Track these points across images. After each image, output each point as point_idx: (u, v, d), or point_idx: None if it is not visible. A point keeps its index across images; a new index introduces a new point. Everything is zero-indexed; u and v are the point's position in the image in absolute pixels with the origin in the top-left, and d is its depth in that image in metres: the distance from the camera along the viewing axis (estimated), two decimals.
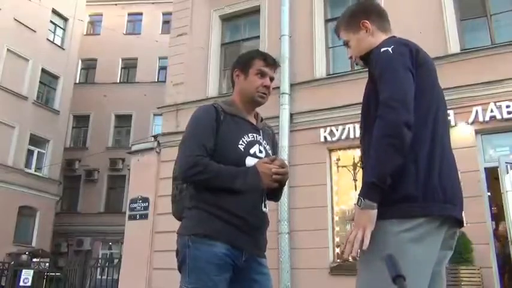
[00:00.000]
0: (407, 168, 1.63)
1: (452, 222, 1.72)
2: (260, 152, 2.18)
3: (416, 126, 1.64)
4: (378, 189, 1.58)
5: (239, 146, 2.12)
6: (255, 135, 2.21)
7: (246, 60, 2.29)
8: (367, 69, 1.94)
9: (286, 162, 8.73)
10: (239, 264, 2.02)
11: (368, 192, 1.59)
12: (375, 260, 1.56)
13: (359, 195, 1.63)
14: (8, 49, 19.56)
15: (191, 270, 1.95)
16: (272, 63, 2.27)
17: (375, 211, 1.59)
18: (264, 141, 2.25)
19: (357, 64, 2.06)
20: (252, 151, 2.14)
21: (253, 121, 2.29)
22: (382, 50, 1.76)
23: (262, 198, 2.12)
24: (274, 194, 2.22)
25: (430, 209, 1.62)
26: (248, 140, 2.16)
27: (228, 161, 2.06)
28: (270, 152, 2.27)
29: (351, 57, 2.07)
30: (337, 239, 8.58)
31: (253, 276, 2.08)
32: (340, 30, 2.07)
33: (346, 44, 2.06)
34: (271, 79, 2.27)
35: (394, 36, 1.93)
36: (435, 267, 1.69)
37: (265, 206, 2.13)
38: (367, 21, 1.97)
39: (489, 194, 7.80)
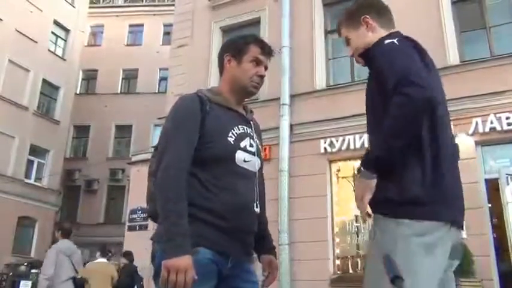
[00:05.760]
0: (413, 171, 1.62)
1: (457, 228, 1.69)
2: (251, 146, 1.95)
3: (422, 128, 1.63)
4: (380, 162, 1.62)
5: (228, 138, 1.88)
6: (245, 127, 1.98)
7: (240, 45, 2.05)
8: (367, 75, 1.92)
9: (287, 173, 8.79)
10: (224, 271, 1.80)
11: (368, 162, 1.65)
12: (381, 258, 1.56)
13: (360, 164, 1.68)
14: (9, 60, 19.65)
15: None
16: (269, 52, 2.05)
17: (373, 181, 1.63)
18: (255, 135, 2.02)
19: (357, 62, 2.02)
20: (242, 144, 1.91)
21: (243, 112, 2.06)
22: (387, 42, 1.74)
23: (256, 196, 1.92)
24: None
25: (439, 214, 1.59)
26: (238, 132, 1.93)
27: (217, 155, 1.84)
28: (260, 147, 2.05)
29: (352, 55, 2.03)
30: (337, 251, 8.54)
31: (240, 285, 1.86)
32: (341, 28, 2.05)
33: (346, 41, 2.02)
34: (266, 68, 2.06)
35: (397, 32, 1.91)
36: (443, 274, 1.66)
37: (257, 206, 1.91)
38: (368, 17, 1.95)
39: (490, 205, 7.78)
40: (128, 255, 9.53)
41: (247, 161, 1.93)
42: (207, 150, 1.83)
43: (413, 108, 1.54)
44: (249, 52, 2.01)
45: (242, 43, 2.06)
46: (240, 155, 1.89)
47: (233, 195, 1.83)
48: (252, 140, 1.97)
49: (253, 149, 1.96)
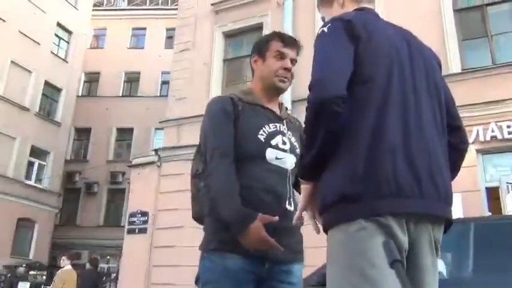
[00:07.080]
0: (341, 161, 1.39)
1: (426, 220, 1.38)
2: (284, 143, 1.94)
3: (352, 106, 1.40)
4: (306, 170, 1.52)
5: (259, 136, 1.90)
6: (277, 125, 1.98)
7: (262, 43, 2.08)
8: None
9: None
10: (261, 274, 1.79)
11: (299, 171, 1.57)
12: (333, 269, 1.42)
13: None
14: (11, 61, 19.67)
15: (204, 284, 1.80)
16: (292, 43, 2.05)
17: (305, 186, 1.53)
18: (289, 132, 2.01)
19: None
20: (273, 142, 1.91)
21: (276, 110, 2.06)
22: (320, 30, 1.53)
23: (288, 194, 1.89)
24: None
25: (374, 208, 1.32)
26: (269, 130, 1.94)
27: (248, 153, 1.87)
28: (295, 144, 2.00)
29: None
30: None
31: (276, 286, 1.83)
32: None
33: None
34: (293, 61, 2.05)
35: (361, 9, 1.66)
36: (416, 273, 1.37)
37: (289, 204, 1.87)
38: None
39: (490, 214, 7.77)
40: (93, 260, 10.00)
41: (279, 159, 1.92)
42: (239, 149, 1.86)
43: (311, 114, 1.40)
44: (271, 47, 2.03)
45: (264, 41, 2.10)
46: (270, 153, 1.90)
47: (265, 196, 1.84)
48: (284, 137, 1.97)
49: (286, 147, 1.95)
